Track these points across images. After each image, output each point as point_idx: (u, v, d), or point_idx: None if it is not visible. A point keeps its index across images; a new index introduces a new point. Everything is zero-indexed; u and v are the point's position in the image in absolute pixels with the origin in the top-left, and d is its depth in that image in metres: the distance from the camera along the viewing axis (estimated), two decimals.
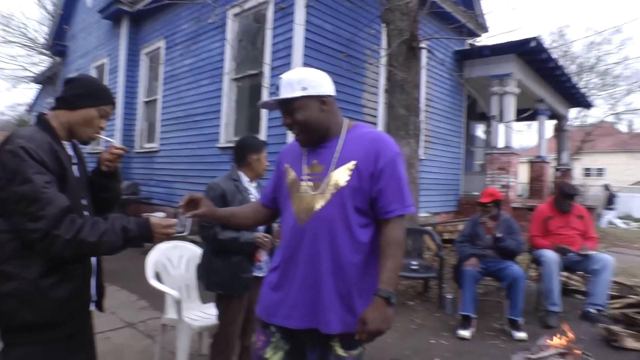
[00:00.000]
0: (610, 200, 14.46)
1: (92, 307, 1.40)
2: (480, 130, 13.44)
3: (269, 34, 5.86)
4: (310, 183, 1.40)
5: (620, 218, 16.79)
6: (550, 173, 11.33)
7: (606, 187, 15.00)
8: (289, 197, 1.42)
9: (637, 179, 26.84)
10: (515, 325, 3.47)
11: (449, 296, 4.03)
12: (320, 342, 1.39)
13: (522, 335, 3.37)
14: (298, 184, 1.41)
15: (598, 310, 3.73)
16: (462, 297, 3.57)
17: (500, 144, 8.50)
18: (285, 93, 1.35)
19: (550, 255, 3.86)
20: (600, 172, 30.93)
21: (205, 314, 2.55)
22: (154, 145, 8.14)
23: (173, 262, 2.66)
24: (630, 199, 17.93)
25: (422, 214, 7.94)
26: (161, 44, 8.06)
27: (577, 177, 19.03)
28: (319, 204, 1.37)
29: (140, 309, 3.72)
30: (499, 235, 3.67)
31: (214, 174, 6.06)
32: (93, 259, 1.36)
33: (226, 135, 6.53)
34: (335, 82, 1.78)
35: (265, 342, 1.41)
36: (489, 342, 3.30)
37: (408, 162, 5.59)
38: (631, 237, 10.97)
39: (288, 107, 1.37)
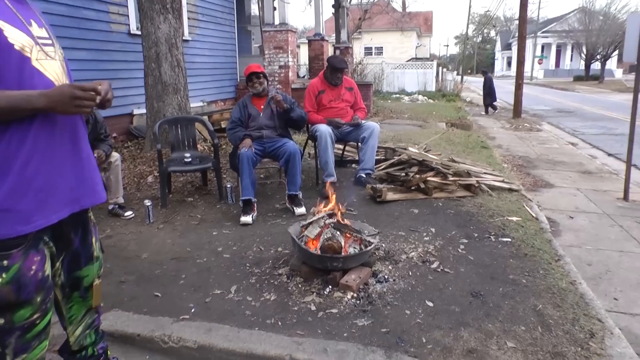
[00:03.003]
0: (488, 86, 15.39)
1: None
2: (257, 7, 13.91)
3: None
4: (48, 48, 1.50)
5: (397, 93, 21.01)
6: (329, 51, 12.97)
7: (484, 72, 15.92)
8: (28, 62, 1.41)
9: (410, 55, 33.42)
10: (295, 202, 4.23)
11: (229, 185, 4.55)
12: (79, 220, 1.64)
13: (301, 210, 4.16)
14: (36, 47, 1.45)
15: (367, 174, 4.85)
16: (241, 182, 4.10)
17: (276, 20, 9.14)
18: None
19: (323, 129, 4.70)
20: (379, 50, 37.01)
21: None
22: None
23: None
24: (403, 74, 22.38)
25: (196, 104, 8.19)
26: None
27: (357, 55, 22.24)
28: (64, 74, 1.53)
29: None
30: (287, 106, 4.21)
31: None
32: None
33: None
34: None
35: (42, 257, 1.50)
36: (271, 223, 3.99)
37: (169, 43, 5.55)
38: (403, 109, 14.04)
39: None
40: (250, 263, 3.18)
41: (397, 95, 20.17)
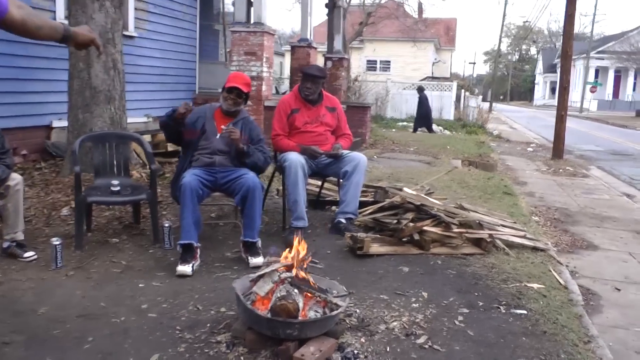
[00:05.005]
0: (424, 106, 18.37)
1: None
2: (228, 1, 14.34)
3: None
4: None
5: (404, 120, 21.45)
6: (318, 62, 13.30)
7: (420, 90, 18.86)
8: None
9: (425, 73, 34.19)
10: (251, 250, 4.26)
11: (167, 224, 4.57)
12: None
13: (258, 261, 4.17)
14: None
15: (348, 219, 4.94)
16: (181, 220, 4.14)
17: (249, 18, 9.40)
18: None
19: (294, 159, 4.79)
20: (385, 65, 37.92)
21: None
22: None
23: None
24: (413, 97, 22.92)
25: (137, 119, 8.29)
26: None
27: (356, 69, 22.83)
28: None
29: None
30: (243, 147, 4.32)
31: None
32: None
33: None
34: None
35: None
36: (217, 275, 4.00)
37: (103, 38, 5.71)
38: (409, 140, 14.32)
39: None
40: (182, 326, 3.19)
41: (404, 123, 20.61)
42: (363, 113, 12.46)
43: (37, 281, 3.83)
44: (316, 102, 5.14)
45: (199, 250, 4.20)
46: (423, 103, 18.51)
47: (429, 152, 12.12)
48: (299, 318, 2.79)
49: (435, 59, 39.87)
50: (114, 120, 5.94)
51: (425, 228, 4.51)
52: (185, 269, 3.99)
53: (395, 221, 4.73)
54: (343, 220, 4.90)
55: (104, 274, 4.00)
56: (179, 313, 3.37)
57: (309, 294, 2.94)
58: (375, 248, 4.42)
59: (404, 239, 4.56)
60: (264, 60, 9.40)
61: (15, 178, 4.19)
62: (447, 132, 19.57)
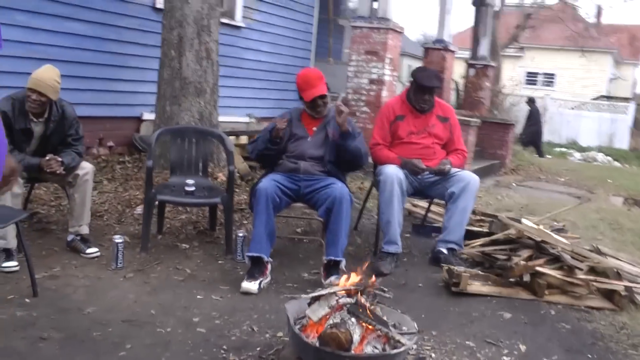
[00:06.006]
0: (533, 120, 17.88)
1: None
2: None
3: None
4: None
5: (563, 146, 20.62)
6: (454, 68, 13.16)
7: (531, 101, 18.37)
8: None
9: (598, 92, 32.52)
10: (333, 272, 4.24)
11: (241, 234, 4.73)
12: None
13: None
14: None
15: (450, 249, 4.85)
16: (253, 229, 4.26)
17: (372, 12, 9.50)
18: None
19: (391, 173, 4.76)
20: (549, 79, 36.54)
21: None
22: None
23: None
24: (577, 118, 21.93)
25: (237, 118, 8.64)
26: None
27: (509, 81, 22.17)
28: None
29: None
30: (349, 128, 4.35)
31: None
32: None
33: None
34: None
35: None
36: (285, 296, 4.03)
37: (198, 24, 6.07)
38: (562, 169, 13.73)
39: None
40: (229, 346, 3.29)
41: (563, 149, 19.81)
42: (504, 132, 12.11)
43: (93, 279, 4.11)
44: (426, 110, 5.11)
45: (269, 266, 4.30)
46: (533, 117, 18.27)
47: (583, 185, 11.57)
48: (352, 352, 2.78)
49: (614, 74, 37.81)
50: (203, 115, 6.24)
51: (540, 269, 4.30)
52: (250, 286, 4.09)
53: (504, 257, 4.56)
54: (444, 250, 4.81)
55: (163, 281, 4.21)
56: (230, 332, 3.47)
57: (369, 326, 2.92)
58: (476, 286, 4.29)
59: (513, 280, 4.38)
60: (387, 61, 9.45)
61: (85, 167, 4.53)
62: (616, 163, 18.54)
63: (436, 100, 5.15)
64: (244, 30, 8.98)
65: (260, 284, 4.15)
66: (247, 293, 4.07)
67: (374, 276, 3.16)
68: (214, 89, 6.38)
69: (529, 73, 36.20)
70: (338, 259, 4.27)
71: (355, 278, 3.15)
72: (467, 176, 4.88)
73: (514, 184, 10.54)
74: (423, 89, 4.98)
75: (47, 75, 4.26)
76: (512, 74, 31.48)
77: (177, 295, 3.97)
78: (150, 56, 7.12)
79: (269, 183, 4.31)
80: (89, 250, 4.50)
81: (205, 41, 6.14)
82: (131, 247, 4.71)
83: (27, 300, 3.66)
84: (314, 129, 4.56)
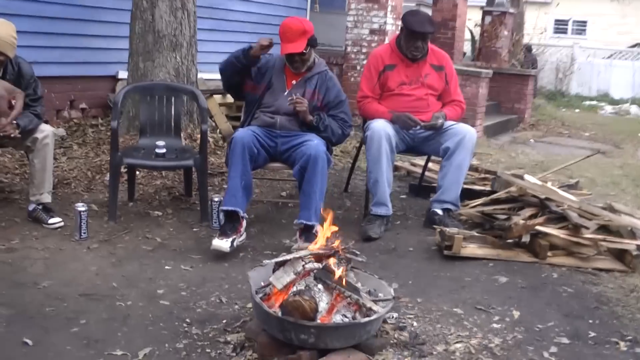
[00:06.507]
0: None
1: None
2: None
3: None
4: None
5: (593, 99, 20.33)
6: (467, 16, 12.98)
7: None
8: None
9: (635, 40, 31.92)
10: (308, 237, 4.12)
11: (217, 199, 4.68)
12: None
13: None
14: None
15: (446, 209, 4.80)
16: (228, 181, 4.23)
17: None
18: None
19: (378, 128, 4.69)
20: (581, 26, 35.91)
21: None
22: None
23: None
24: (608, 69, 21.52)
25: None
26: None
27: (535, 30, 21.77)
28: None
29: None
30: (312, 119, 4.35)
31: None
32: None
33: None
34: None
35: None
36: (260, 261, 4.03)
37: None
38: (588, 123, 13.56)
39: None
40: (193, 319, 3.28)
41: (593, 102, 19.52)
42: (522, 84, 11.94)
43: (54, 251, 4.11)
44: (418, 58, 4.99)
45: (244, 223, 4.29)
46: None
47: (609, 140, 11.41)
48: (317, 321, 2.74)
49: None
50: (179, 71, 6.19)
51: (541, 229, 4.24)
52: (221, 244, 4.06)
53: (504, 217, 4.51)
54: (439, 211, 4.77)
55: (130, 251, 4.21)
56: (196, 304, 3.47)
57: (338, 293, 2.88)
58: (470, 249, 4.25)
59: (511, 241, 4.33)
60: (389, 9, 9.32)
61: (45, 130, 4.49)
62: None
63: (430, 47, 5.03)
64: None
65: (233, 242, 4.12)
66: (218, 251, 4.07)
67: (342, 238, 3.13)
68: (191, 42, 6.31)
69: (558, 21, 35.61)
70: (310, 223, 4.24)
71: (324, 241, 3.12)
72: (462, 129, 4.79)
73: (532, 140, 10.43)
74: (415, 34, 4.85)
75: (3, 31, 4.17)
76: (538, 22, 31.02)
77: (143, 267, 3.98)
78: (125, 9, 6.98)
79: (245, 132, 4.31)
80: (51, 220, 4.48)
81: None
82: (99, 216, 4.72)
83: None
84: (293, 82, 4.53)
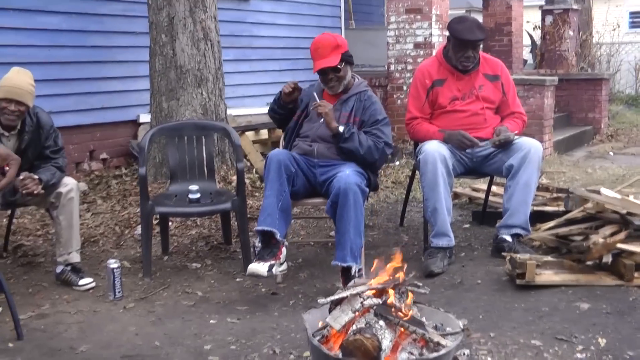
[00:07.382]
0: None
1: None
2: None
3: None
4: None
5: None
6: (523, 18, 13.03)
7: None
8: None
9: None
10: (347, 280, 4.18)
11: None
12: None
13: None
14: None
15: (515, 235, 4.87)
16: (263, 200, 4.36)
17: None
18: None
19: (432, 150, 4.80)
20: None
21: None
22: None
23: None
24: None
25: (255, 110, 8.67)
26: None
27: (605, 27, 21.63)
28: None
29: None
30: (338, 126, 4.48)
31: None
32: None
33: None
34: None
35: None
36: (314, 307, 4.17)
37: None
38: None
39: None
40: None
41: None
42: (595, 89, 11.90)
43: (88, 314, 4.30)
44: (469, 69, 5.13)
45: (284, 250, 4.36)
46: None
47: None
48: None
49: None
50: (207, 108, 6.41)
51: (624, 247, 4.31)
52: (258, 267, 4.15)
53: (581, 238, 4.58)
54: (507, 238, 4.86)
55: (170, 308, 4.38)
56: (247, 357, 3.59)
57: (402, 329, 3.02)
58: (546, 276, 4.33)
59: (591, 264, 4.41)
60: (434, 19, 9.46)
61: (68, 183, 4.70)
62: None
63: (481, 56, 5.17)
64: (253, 2, 9.12)
65: (271, 267, 4.18)
66: (255, 275, 4.18)
67: (404, 270, 3.26)
68: (217, 75, 6.53)
69: (634, 14, 35.30)
70: (345, 264, 4.29)
71: (383, 275, 3.27)
72: (526, 144, 4.89)
73: (611, 153, 10.40)
74: (464, 43, 4.99)
75: (22, 80, 4.41)
76: (609, 17, 30.80)
77: (186, 323, 4.11)
78: (143, 45, 7.19)
79: (280, 150, 4.54)
80: (81, 282, 4.67)
81: (200, 19, 6.30)
82: (132, 273, 4.91)
83: (10, 345, 3.81)
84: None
